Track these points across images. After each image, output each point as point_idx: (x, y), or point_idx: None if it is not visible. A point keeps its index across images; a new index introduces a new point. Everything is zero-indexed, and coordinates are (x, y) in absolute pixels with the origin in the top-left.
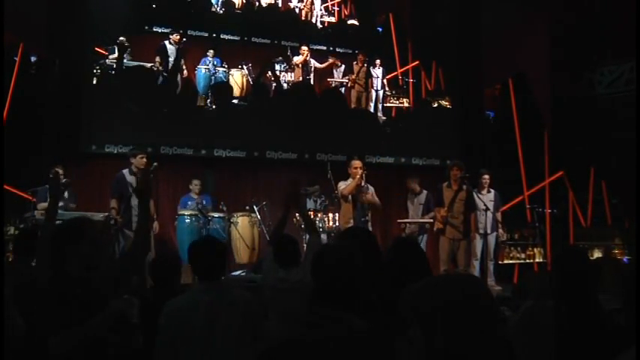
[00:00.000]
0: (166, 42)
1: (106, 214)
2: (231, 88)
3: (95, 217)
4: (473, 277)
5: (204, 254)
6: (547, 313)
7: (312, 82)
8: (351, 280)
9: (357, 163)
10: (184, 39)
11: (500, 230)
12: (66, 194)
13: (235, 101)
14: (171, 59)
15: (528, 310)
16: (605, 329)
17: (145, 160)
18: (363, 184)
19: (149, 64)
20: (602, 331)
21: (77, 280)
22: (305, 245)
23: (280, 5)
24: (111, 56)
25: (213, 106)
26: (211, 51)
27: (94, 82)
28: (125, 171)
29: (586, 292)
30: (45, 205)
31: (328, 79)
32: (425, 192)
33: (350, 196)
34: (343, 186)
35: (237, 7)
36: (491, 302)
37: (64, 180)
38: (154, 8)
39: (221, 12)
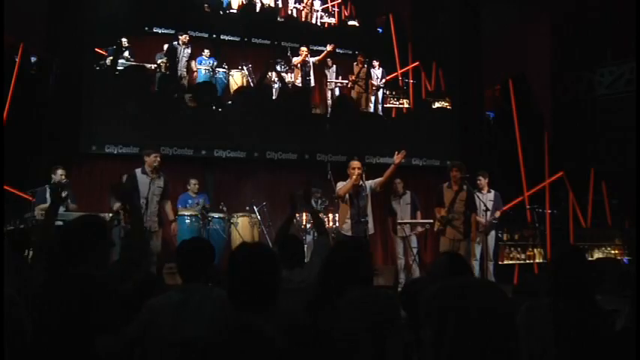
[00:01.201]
0: (175, 43)
1: (107, 214)
2: (214, 88)
3: None
4: (490, 284)
5: (187, 255)
6: (544, 312)
7: (312, 82)
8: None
9: (355, 163)
10: (189, 40)
11: (498, 213)
12: (64, 194)
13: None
14: (179, 60)
15: (526, 310)
16: (603, 329)
17: (159, 159)
18: (361, 183)
19: (149, 65)
20: (599, 330)
21: (94, 279)
22: (305, 246)
23: (280, 6)
24: (108, 58)
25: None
26: (207, 50)
27: (94, 82)
28: (138, 170)
29: (584, 292)
30: (43, 206)
31: (328, 80)
32: (408, 192)
33: (347, 197)
34: (340, 186)
35: (238, 7)
36: (506, 310)
37: (65, 181)
38: (154, 9)
39: (222, 12)
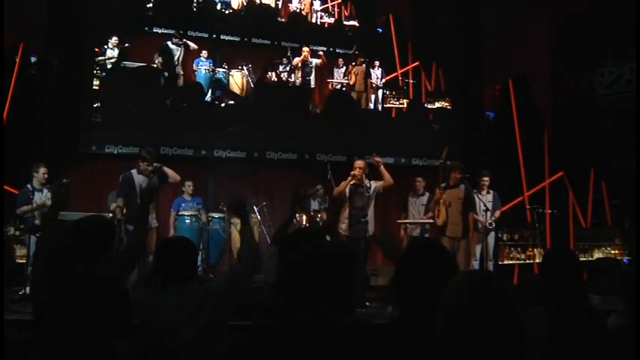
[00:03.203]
0: (169, 42)
1: (107, 214)
2: (201, 88)
3: None
4: (492, 275)
5: (172, 256)
6: (539, 320)
7: (312, 83)
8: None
9: (356, 163)
10: (184, 39)
11: (497, 213)
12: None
13: (232, 102)
14: (178, 60)
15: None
16: (597, 331)
17: (149, 168)
18: (365, 183)
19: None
20: (593, 333)
21: (112, 279)
22: None
23: (280, 6)
24: (100, 58)
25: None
26: (205, 52)
27: (94, 82)
28: (133, 171)
29: (575, 295)
30: (26, 208)
31: (328, 80)
32: (428, 194)
33: (346, 197)
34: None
35: (237, 7)
36: (507, 301)
37: (64, 180)
38: (154, 9)
39: (222, 12)
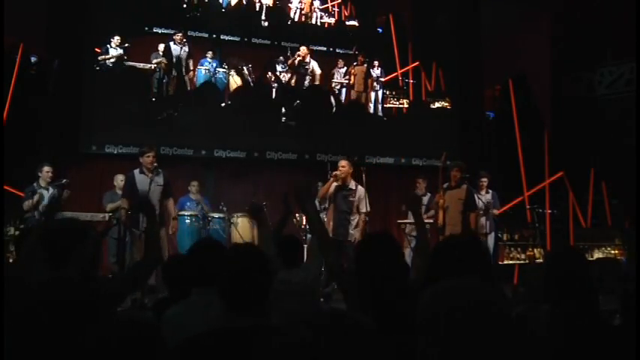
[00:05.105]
0: (171, 43)
1: (106, 214)
2: (216, 88)
3: (95, 218)
4: (484, 284)
5: (209, 257)
6: (542, 320)
7: (307, 83)
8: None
9: (340, 162)
10: (185, 39)
11: (496, 212)
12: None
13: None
14: (178, 60)
15: (521, 316)
16: (603, 333)
17: (151, 158)
18: (354, 186)
19: (147, 65)
20: (600, 335)
21: (78, 282)
22: (306, 246)
23: (280, 6)
24: (101, 57)
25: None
26: (210, 52)
27: (94, 82)
28: (135, 171)
29: (582, 295)
30: (28, 203)
31: (331, 80)
32: (429, 194)
33: (332, 198)
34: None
35: (237, 7)
36: (503, 311)
37: (64, 180)
38: (154, 9)
39: (222, 11)
